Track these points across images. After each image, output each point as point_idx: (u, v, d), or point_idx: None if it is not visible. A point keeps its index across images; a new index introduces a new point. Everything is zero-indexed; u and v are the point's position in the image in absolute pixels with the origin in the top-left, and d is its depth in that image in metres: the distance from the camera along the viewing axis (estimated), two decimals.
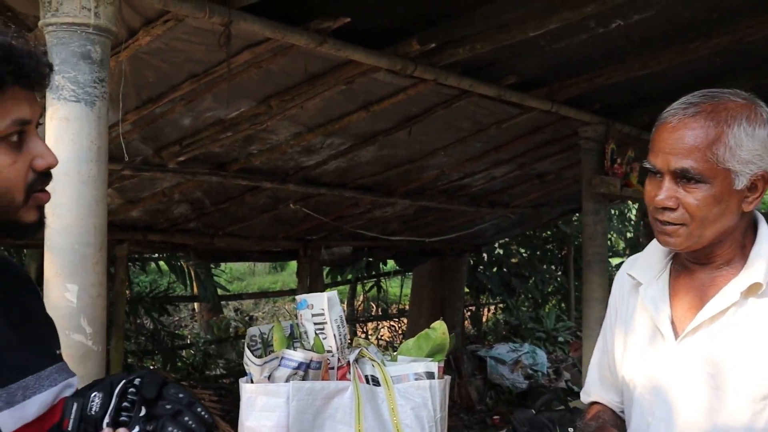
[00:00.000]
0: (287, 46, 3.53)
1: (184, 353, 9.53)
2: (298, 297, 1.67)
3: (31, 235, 1.34)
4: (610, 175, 5.63)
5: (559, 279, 13.00)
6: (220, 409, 7.06)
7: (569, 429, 3.30)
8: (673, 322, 1.75)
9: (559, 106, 5.17)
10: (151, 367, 8.72)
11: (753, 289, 1.66)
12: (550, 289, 12.95)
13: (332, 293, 1.65)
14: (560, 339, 11.48)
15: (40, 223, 1.34)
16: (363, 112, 4.59)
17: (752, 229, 1.75)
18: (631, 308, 1.88)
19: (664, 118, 1.67)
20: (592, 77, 4.90)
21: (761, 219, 1.76)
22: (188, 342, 10.38)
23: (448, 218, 8.17)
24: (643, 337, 1.82)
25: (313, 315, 1.63)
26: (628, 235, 14.99)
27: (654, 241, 1.84)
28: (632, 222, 14.83)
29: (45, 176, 1.32)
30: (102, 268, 2.53)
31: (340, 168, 5.67)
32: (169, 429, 1.23)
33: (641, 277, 1.84)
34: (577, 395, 8.38)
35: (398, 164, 5.91)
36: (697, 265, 1.75)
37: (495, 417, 8.36)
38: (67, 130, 2.42)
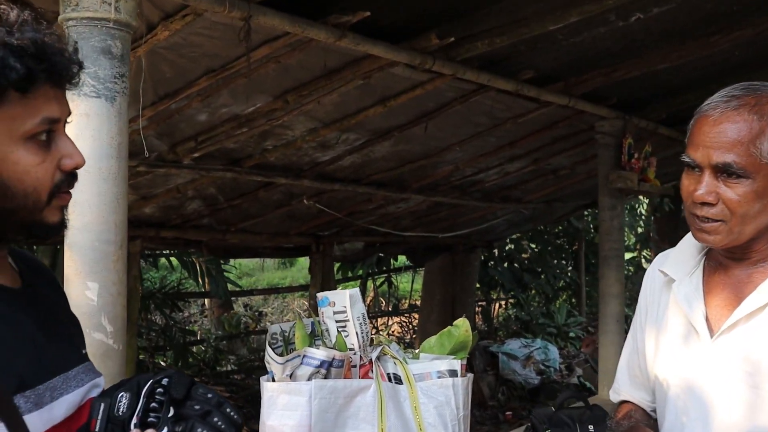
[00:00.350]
0: (305, 41, 3.50)
1: (195, 349, 9.55)
2: (320, 294, 1.65)
3: (54, 235, 1.32)
4: (627, 170, 5.57)
5: (569, 274, 12.96)
6: (232, 405, 7.06)
7: (590, 427, 3.25)
8: (708, 320, 1.72)
9: (576, 100, 5.13)
10: (163, 363, 8.73)
11: None
12: (560, 285, 12.92)
13: (354, 290, 1.63)
14: (571, 334, 11.46)
15: (62, 224, 1.32)
16: (379, 107, 4.56)
17: None
18: (663, 306, 1.85)
19: (704, 111, 1.63)
20: (610, 71, 4.85)
21: None
22: (199, 338, 10.38)
23: (461, 214, 8.15)
24: (677, 336, 1.78)
25: (334, 312, 1.61)
26: (639, 230, 14.94)
27: (687, 237, 1.80)
28: (643, 217, 14.78)
29: (72, 176, 1.30)
30: (123, 266, 2.50)
31: (354, 163, 5.64)
32: (198, 430, 1.22)
33: (674, 274, 1.80)
34: (589, 391, 8.39)
35: (413, 159, 5.88)
36: (732, 261, 1.72)
37: (507, 413, 8.35)
38: (88, 127, 2.38)
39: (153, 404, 1.26)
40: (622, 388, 2.02)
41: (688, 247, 1.82)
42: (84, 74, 2.32)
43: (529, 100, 5.04)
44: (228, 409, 1.27)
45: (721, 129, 1.58)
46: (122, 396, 1.27)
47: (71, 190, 1.32)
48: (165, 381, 1.28)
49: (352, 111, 4.64)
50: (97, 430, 1.25)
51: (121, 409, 1.26)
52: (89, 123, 2.38)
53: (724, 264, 1.73)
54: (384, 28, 3.67)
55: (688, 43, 4.54)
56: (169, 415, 1.24)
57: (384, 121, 4.94)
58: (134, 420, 1.25)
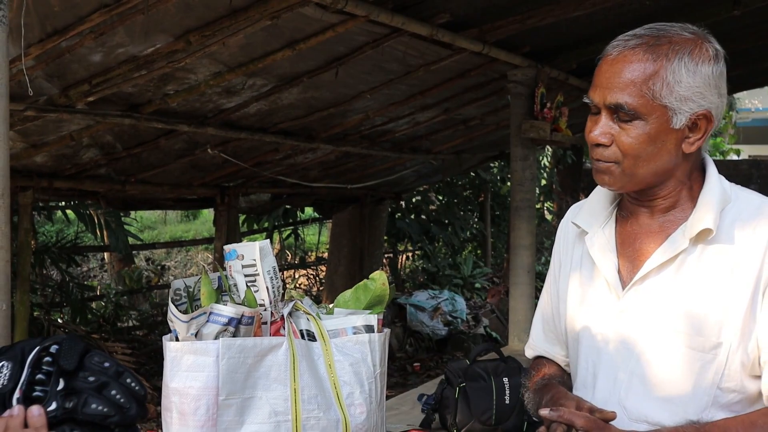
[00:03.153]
0: None
1: (94, 305, 9.26)
2: (227, 247, 1.55)
3: None
4: (540, 119, 5.55)
5: (476, 225, 13.08)
6: (134, 362, 6.87)
7: (504, 379, 3.31)
8: (620, 272, 1.71)
9: (490, 47, 5.05)
10: (60, 320, 8.40)
11: (702, 236, 1.61)
12: (466, 236, 13.03)
13: (264, 242, 1.53)
14: (477, 285, 11.61)
15: None
16: (288, 50, 4.37)
17: (700, 172, 1.69)
18: (576, 258, 1.83)
19: (606, 51, 1.62)
20: (525, 18, 4.78)
21: (709, 161, 1.71)
22: (98, 293, 10.06)
23: (370, 165, 8.09)
24: (590, 289, 1.77)
25: (243, 266, 1.51)
26: (542, 182, 15.18)
27: (598, 187, 1.78)
28: (546, 169, 15.00)
29: None
30: (5, 217, 2.29)
31: (261, 111, 5.45)
32: (93, 406, 1.05)
33: (586, 226, 1.79)
34: (496, 341, 8.51)
35: (322, 107, 5.72)
36: (643, 209, 1.70)
37: (415, 364, 8.41)
38: None
39: (39, 375, 1.12)
40: (536, 343, 2.00)
41: (600, 198, 1.81)
42: None
43: (442, 46, 4.93)
44: (128, 380, 1.13)
45: (617, 69, 1.57)
46: (3, 366, 1.12)
47: None
48: (54, 348, 1.13)
49: (259, 54, 4.43)
50: None
51: (1, 382, 1.11)
52: None
53: (636, 213, 1.72)
54: None
55: None
56: (59, 388, 1.10)
57: (292, 65, 4.76)
58: (17, 394, 1.10)
